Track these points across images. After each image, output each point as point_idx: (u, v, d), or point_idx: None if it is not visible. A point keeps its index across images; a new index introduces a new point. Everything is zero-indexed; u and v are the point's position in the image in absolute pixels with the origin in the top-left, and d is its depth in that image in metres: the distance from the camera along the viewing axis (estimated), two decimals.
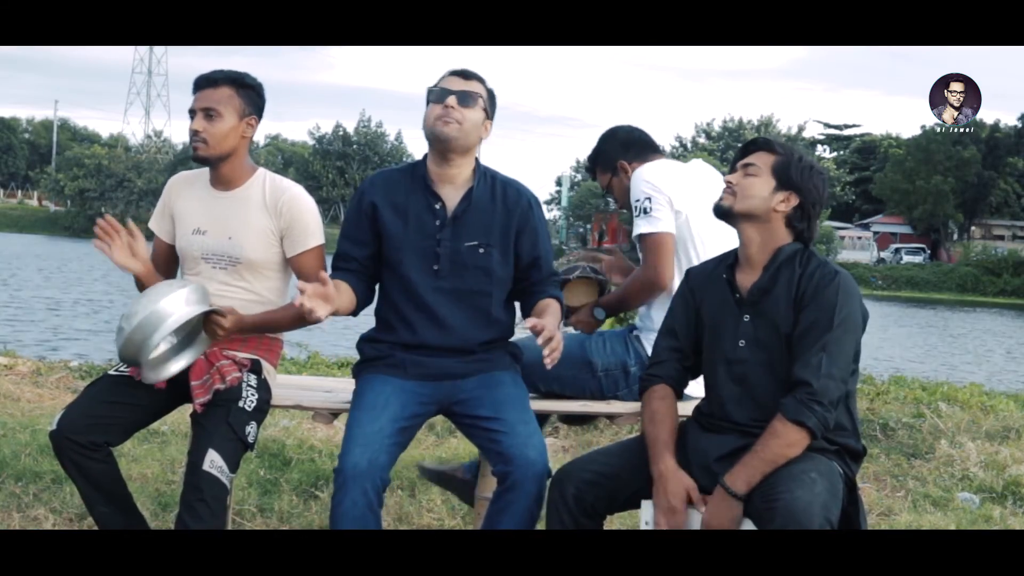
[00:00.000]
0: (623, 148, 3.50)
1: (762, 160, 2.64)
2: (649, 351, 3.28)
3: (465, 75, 2.95)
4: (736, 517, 2.44)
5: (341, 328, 12.26)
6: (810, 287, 2.54)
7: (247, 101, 3.06)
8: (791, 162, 2.62)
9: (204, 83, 3.05)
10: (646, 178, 3.32)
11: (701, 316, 2.71)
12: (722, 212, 2.67)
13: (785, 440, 2.44)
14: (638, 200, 3.30)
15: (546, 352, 2.65)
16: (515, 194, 3.00)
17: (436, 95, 2.92)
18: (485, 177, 2.99)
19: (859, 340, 2.56)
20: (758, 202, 2.61)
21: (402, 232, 2.93)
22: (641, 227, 3.28)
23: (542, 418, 3.52)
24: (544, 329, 2.66)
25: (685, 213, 3.28)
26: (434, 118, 2.90)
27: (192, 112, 3.04)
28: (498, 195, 2.98)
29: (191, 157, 3.11)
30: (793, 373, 2.49)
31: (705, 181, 3.39)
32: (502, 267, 2.97)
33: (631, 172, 3.44)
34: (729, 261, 2.70)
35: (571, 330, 3.49)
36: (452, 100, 2.89)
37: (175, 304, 2.76)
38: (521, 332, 3.07)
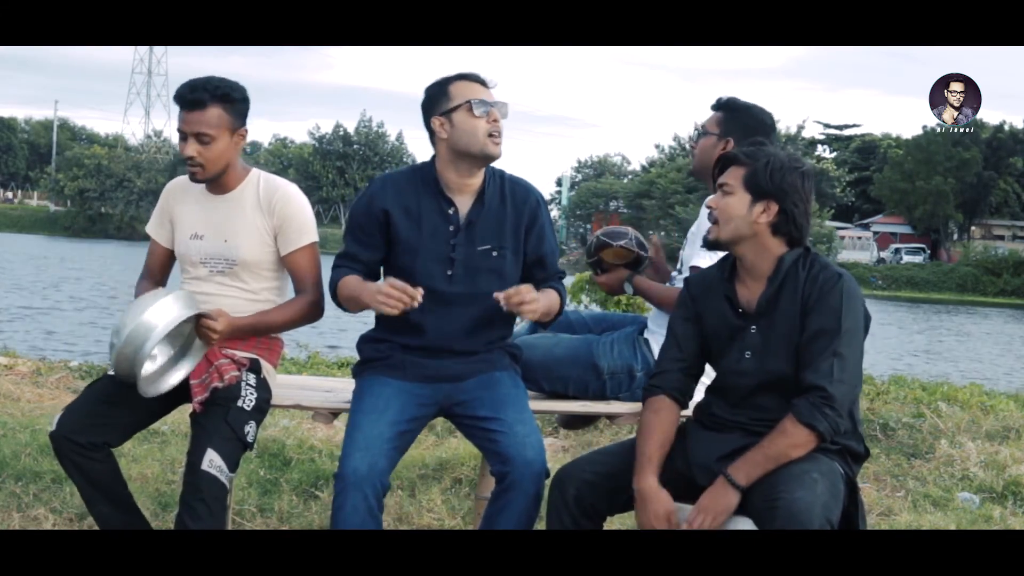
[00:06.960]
0: (744, 133, 3.25)
1: (734, 176, 2.60)
2: (657, 355, 3.27)
3: (487, 84, 2.88)
4: (730, 507, 2.45)
5: (340, 329, 12.25)
6: (815, 291, 2.53)
7: (235, 115, 3.01)
8: (758, 170, 2.56)
9: (190, 105, 2.96)
10: None
11: (703, 326, 2.71)
12: (711, 245, 2.66)
13: (793, 440, 2.45)
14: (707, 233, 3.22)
15: (512, 296, 2.71)
16: (523, 192, 2.99)
17: (480, 107, 2.82)
18: (494, 178, 2.97)
19: (863, 343, 2.56)
20: (739, 222, 2.58)
21: (416, 238, 2.90)
22: (697, 260, 3.17)
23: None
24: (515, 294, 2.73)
25: None
26: (484, 136, 2.82)
27: (182, 133, 3.00)
28: (507, 195, 2.96)
29: (190, 179, 3.08)
30: (805, 378, 2.48)
31: None
32: (513, 269, 2.96)
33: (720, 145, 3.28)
34: (725, 274, 2.67)
35: (584, 307, 3.41)
36: (498, 114, 2.84)
37: (161, 312, 2.75)
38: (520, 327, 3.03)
